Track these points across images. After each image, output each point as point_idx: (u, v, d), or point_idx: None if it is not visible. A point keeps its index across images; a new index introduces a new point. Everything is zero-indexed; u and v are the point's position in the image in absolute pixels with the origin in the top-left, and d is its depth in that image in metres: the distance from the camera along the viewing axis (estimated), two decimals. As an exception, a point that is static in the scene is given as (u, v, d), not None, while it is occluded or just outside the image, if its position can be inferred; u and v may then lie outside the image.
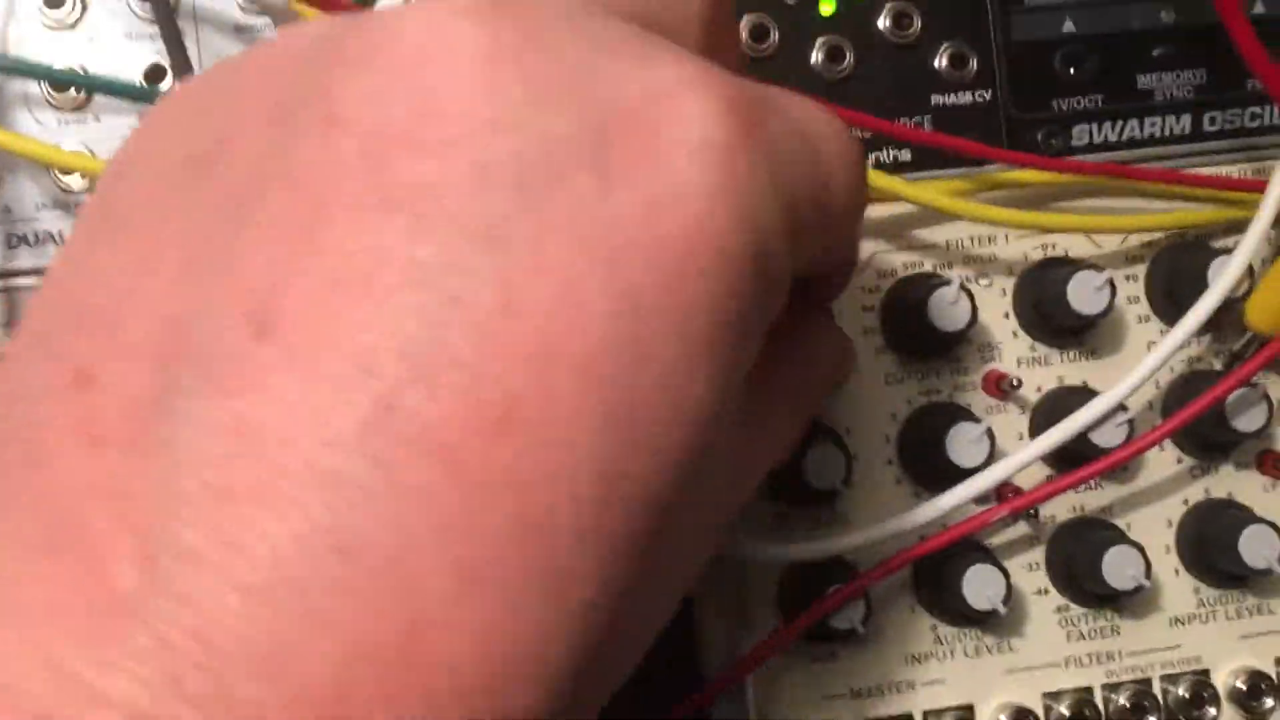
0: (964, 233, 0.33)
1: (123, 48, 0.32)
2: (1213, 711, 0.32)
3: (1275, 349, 0.30)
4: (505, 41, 0.18)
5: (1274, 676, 0.33)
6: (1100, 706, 0.32)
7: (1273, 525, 0.31)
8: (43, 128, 0.32)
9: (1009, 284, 0.33)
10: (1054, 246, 0.33)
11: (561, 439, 0.16)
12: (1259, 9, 0.34)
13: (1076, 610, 0.33)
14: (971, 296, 0.31)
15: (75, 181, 0.31)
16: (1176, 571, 0.33)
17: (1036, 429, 0.32)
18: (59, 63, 0.32)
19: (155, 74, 0.32)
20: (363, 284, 0.16)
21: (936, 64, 0.33)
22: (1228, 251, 0.31)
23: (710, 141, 0.18)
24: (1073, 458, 0.31)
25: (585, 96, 0.18)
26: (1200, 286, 0.31)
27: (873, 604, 0.31)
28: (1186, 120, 0.34)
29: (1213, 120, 0.34)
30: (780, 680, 0.31)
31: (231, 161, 0.18)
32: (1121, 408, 0.31)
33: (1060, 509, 0.33)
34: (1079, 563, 0.32)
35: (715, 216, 0.17)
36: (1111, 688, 0.33)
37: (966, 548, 0.31)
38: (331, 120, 0.17)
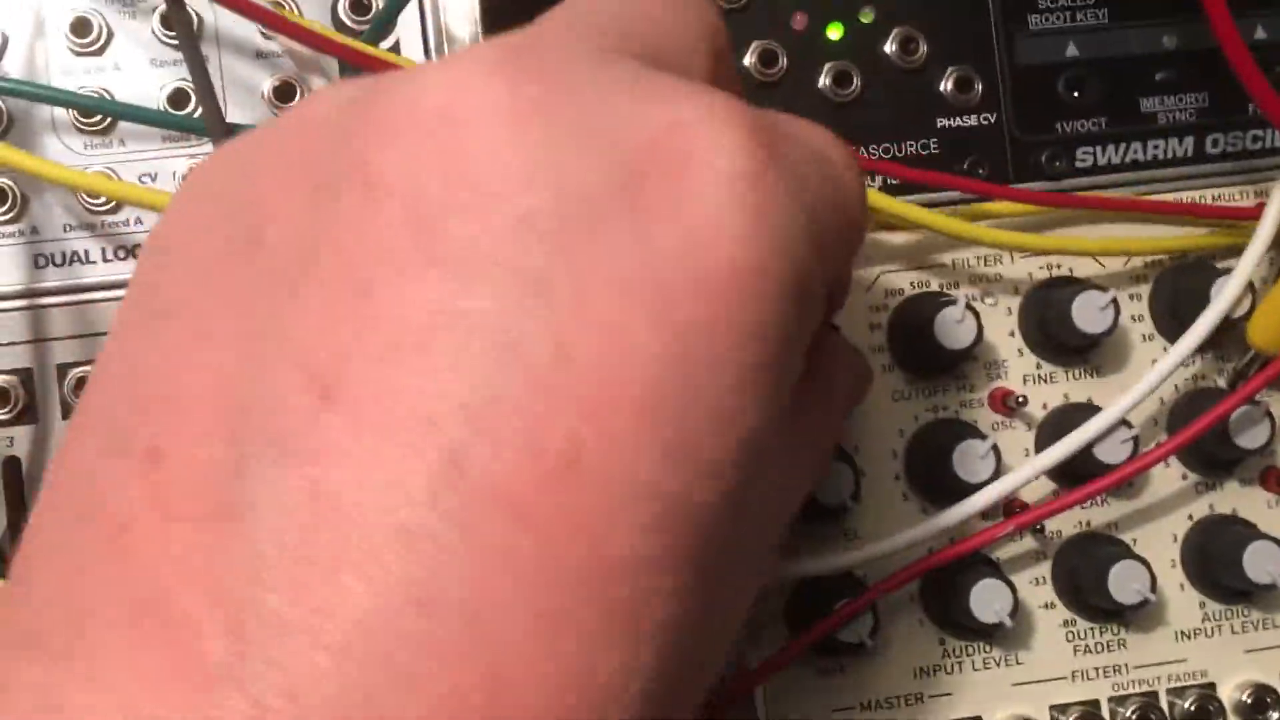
0: (970, 252, 0.33)
1: (147, 73, 0.33)
2: (1219, 725, 0.33)
3: (1278, 367, 0.31)
4: (526, 94, 0.18)
5: (1279, 690, 0.33)
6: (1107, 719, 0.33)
7: (1277, 541, 0.32)
8: (69, 150, 0.33)
9: (1015, 303, 0.34)
10: (1059, 266, 0.33)
11: (624, 478, 0.17)
12: (1260, 35, 0.34)
13: (1083, 624, 0.33)
14: (977, 315, 0.31)
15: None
16: (1182, 586, 0.33)
17: (1042, 445, 0.33)
18: (85, 88, 0.32)
19: (179, 99, 0.32)
20: (419, 342, 0.17)
21: (942, 88, 0.34)
22: (1230, 272, 0.31)
23: (738, 170, 0.18)
24: (1079, 474, 0.32)
25: (611, 139, 0.18)
26: (1203, 306, 0.31)
27: (880, 618, 0.31)
28: (1189, 143, 0.34)
29: (1215, 143, 0.34)
30: (789, 693, 0.32)
31: (276, 237, 0.19)
32: (1126, 425, 0.31)
33: (1066, 524, 0.33)
34: (1085, 577, 0.32)
35: (752, 244, 0.18)
36: (1118, 701, 0.33)
37: (974, 562, 0.32)
38: (371, 188, 0.18)
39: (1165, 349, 0.34)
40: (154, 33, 0.33)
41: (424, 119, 0.18)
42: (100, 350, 0.20)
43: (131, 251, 0.33)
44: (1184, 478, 0.34)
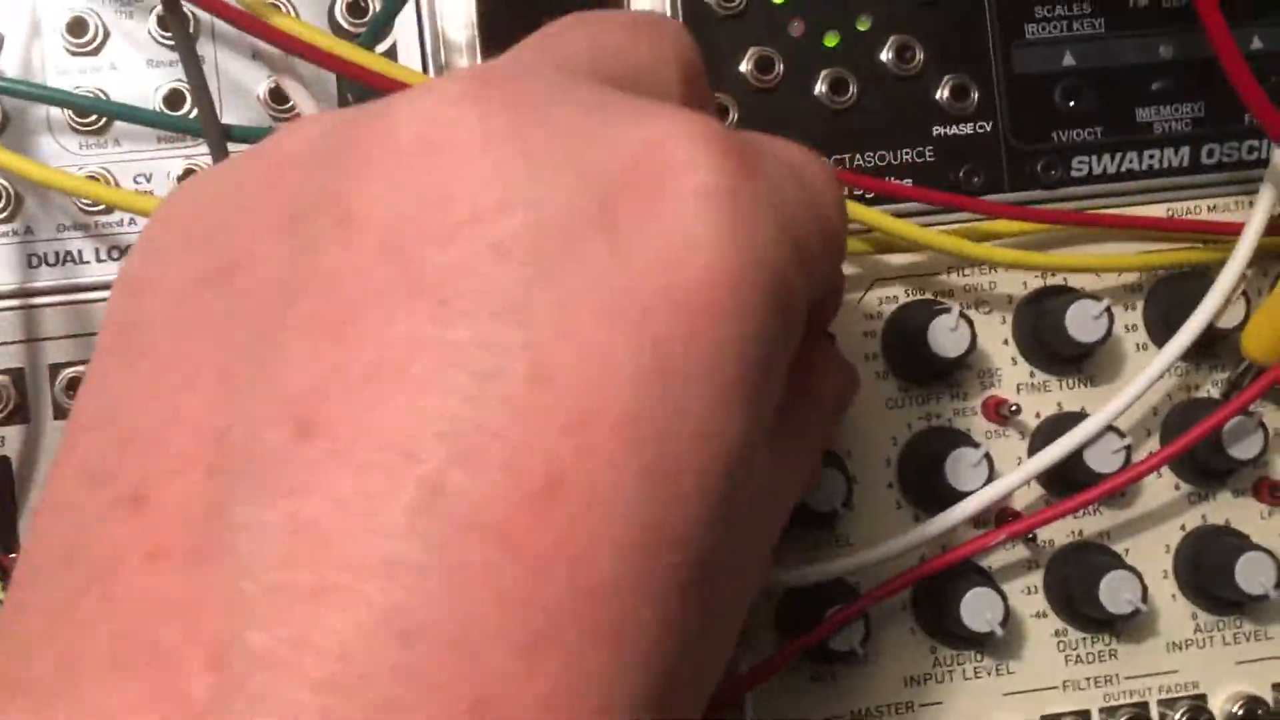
0: (965, 260, 0.33)
1: (143, 74, 0.33)
2: (1209, 736, 0.33)
3: (1271, 378, 0.31)
4: (498, 122, 0.18)
5: (1270, 702, 0.33)
6: (1097, 730, 0.33)
7: (1269, 552, 0.32)
8: (65, 151, 0.33)
9: (1008, 311, 0.34)
10: (1053, 275, 0.33)
11: (605, 500, 0.17)
12: (1256, 45, 0.34)
13: (1074, 634, 0.33)
14: (971, 323, 0.31)
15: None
16: (1174, 597, 0.33)
17: (1035, 455, 0.33)
18: (81, 87, 0.32)
19: (174, 100, 0.32)
20: (396, 372, 0.17)
21: (938, 96, 0.34)
22: (1222, 282, 0.31)
23: (712, 186, 0.18)
24: (1072, 483, 0.32)
25: (584, 162, 0.18)
26: (1197, 315, 0.31)
27: (872, 625, 0.31)
28: (1185, 153, 0.34)
29: (1210, 153, 0.34)
30: (779, 700, 0.32)
31: (251, 272, 0.19)
32: (1118, 434, 0.31)
33: (1059, 533, 0.33)
34: (1077, 587, 0.32)
35: (729, 259, 0.18)
36: (1109, 711, 0.33)
37: (965, 570, 0.32)
38: (346, 220, 0.18)
39: (1159, 359, 0.34)
40: (150, 33, 0.33)
41: (398, 150, 0.18)
42: (87, 366, 0.20)
43: (125, 252, 0.33)
44: (1177, 488, 0.34)
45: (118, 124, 0.33)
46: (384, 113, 0.19)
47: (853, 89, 0.34)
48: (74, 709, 0.16)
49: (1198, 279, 0.33)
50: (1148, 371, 0.31)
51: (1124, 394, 0.31)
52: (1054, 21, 0.34)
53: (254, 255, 0.19)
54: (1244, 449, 0.32)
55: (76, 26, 0.33)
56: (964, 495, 0.31)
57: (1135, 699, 0.33)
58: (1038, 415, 0.33)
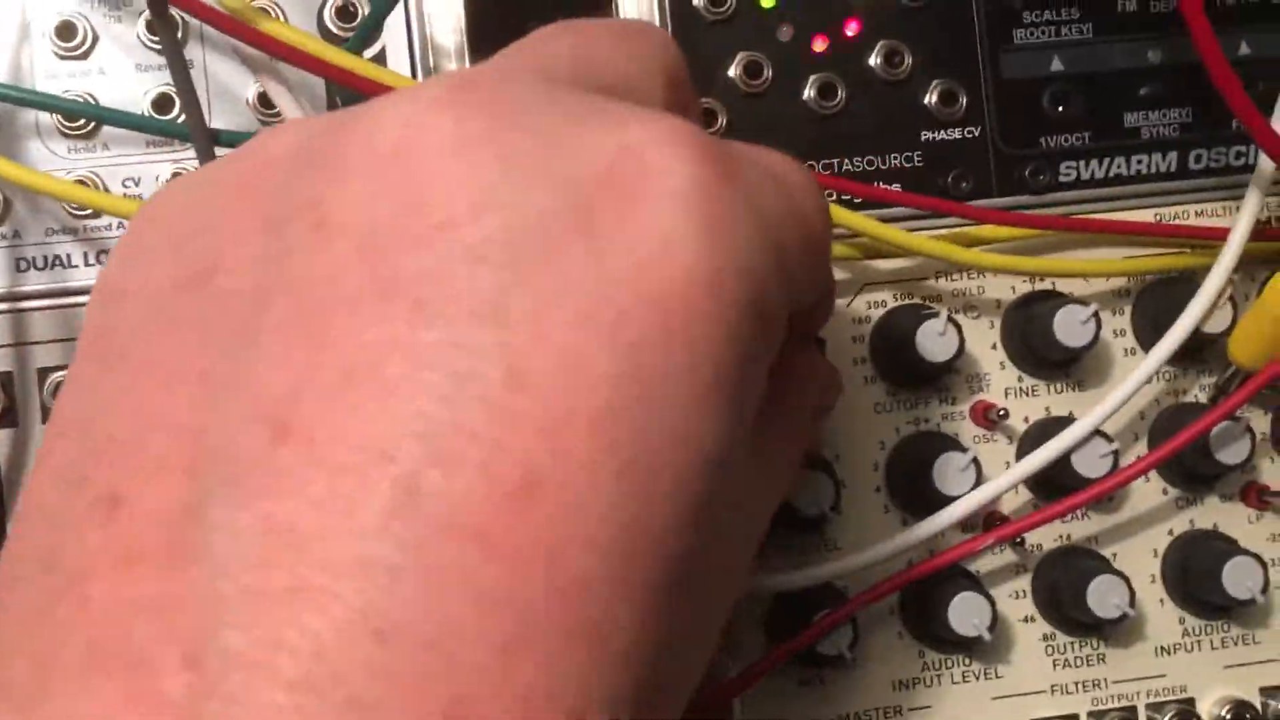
0: (953, 266, 0.33)
1: (132, 78, 0.33)
2: (1198, 741, 0.33)
3: (1258, 383, 0.31)
4: (475, 126, 0.18)
5: (1258, 706, 0.33)
6: (1085, 734, 0.33)
7: (1256, 557, 0.32)
8: (54, 155, 0.33)
9: (997, 316, 0.34)
10: (1041, 279, 0.34)
11: (581, 501, 0.17)
12: (1244, 50, 0.34)
13: (1063, 638, 0.33)
14: (959, 328, 0.31)
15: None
16: (1162, 601, 0.34)
17: (1023, 459, 0.33)
18: (70, 91, 0.32)
19: (163, 104, 0.32)
20: (373, 374, 0.17)
21: (927, 101, 0.34)
22: (1209, 286, 0.31)
23: (690, 190, 0.18)
24: (1060, 488, 0.32)
25: (562, 165, 0.18)
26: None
27: (860, 630, 0.31)
28: (1173, 158, 0.34)
29: (1198, 158, 0.35)
30: (767, 705, 0.32)
31: (229, 276, 0.19)
32: (1106, 439, 0.31)
33: (1047, 538, 0.33)
34: (1065, 591, 0.32)
35: (706, 263, 0.18)
36: (1097, 715, 0.33)
37: (953, 575, 0.32)
38: (323, 225, 0.18)
39: (1148, 364, 0.34)
40: (139, 37, 0.33)
41: (375, 155, 0.18)
42: (67, 371, 0.20)
43: (114, 256, 0.33)
44: (1165, 493, 0.34)
45: (106, 128, 0.33)
46: (363, 117, 0.19)
47: (841, 94, 0.34)
48: (50, 711, 0.16)
49: (1184, 284, 0.33)
50: (1135, 376, 0.31)
51: (1111, 398, 0.31)
52: (1042, 27, 0.34)
53: (231, 258, 0.19)
54: (1231, 454, 0.32)
55: (65, 30, 0.33)
56: (952, 499, 0.31)
57: (1123, 703, 0.33)
58: (1026, 419, 0.33)
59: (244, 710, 0.15)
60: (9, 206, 0.32)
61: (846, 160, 0.34)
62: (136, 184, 0.33)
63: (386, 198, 0.18)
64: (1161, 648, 0.33)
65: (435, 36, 0.33)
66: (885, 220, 0.32)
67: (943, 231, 0.33)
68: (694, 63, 0.33)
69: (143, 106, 0.32)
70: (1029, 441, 0.33)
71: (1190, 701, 0.33)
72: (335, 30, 0.33)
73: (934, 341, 0.31)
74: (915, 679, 0.33)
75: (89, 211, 0.32)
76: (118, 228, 0.33)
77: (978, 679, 0.33)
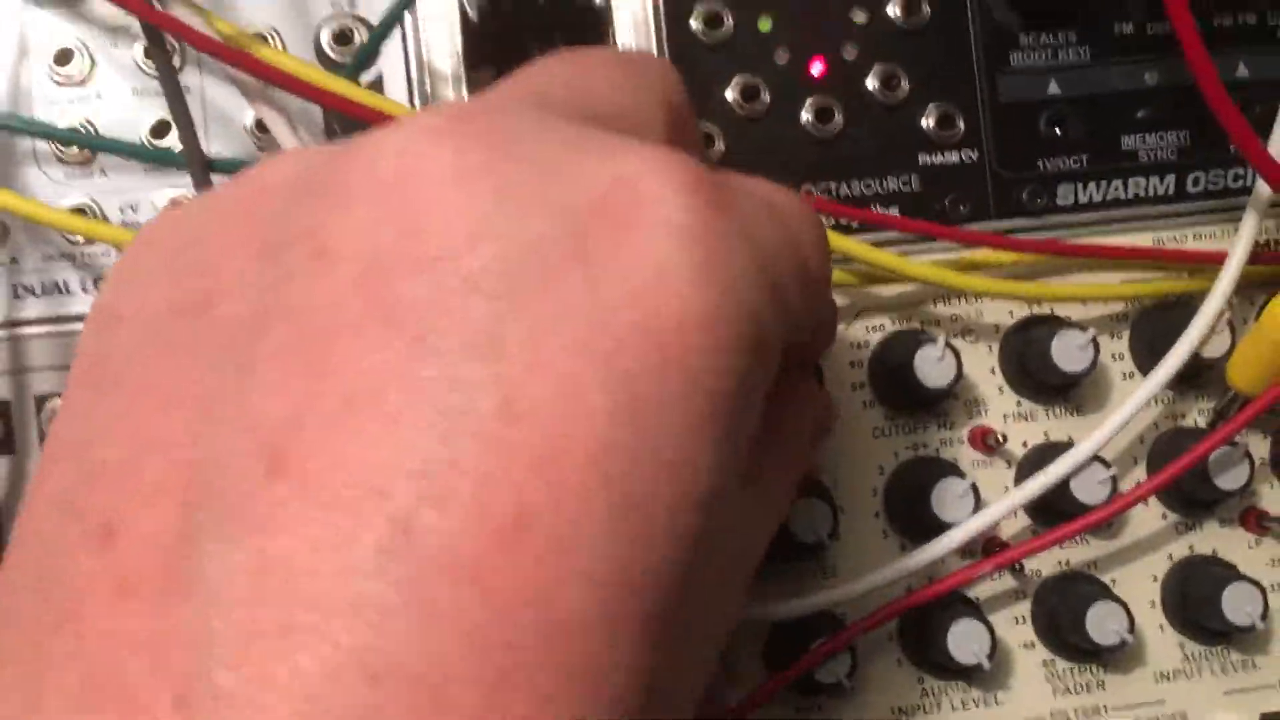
0: (951, 291, 0.33)
1: (130, 104, 0.33)
2: (1198, 767, 0.33)
3: (1257, 408, 0.31)
4: (473, 156, 0.18)
5: (1258, 732, 0.33)
6: (1085, 761, 0.33)
7: (1256, 582, 0.32)
8: (51, 181, 0.33)
9: (995, 340, 0.34)
10: (1039, 304, 0.33)
11: (575, 537, 0.17)
12: (1241, 73, 0.34)
13: (1062, 664, 0.33)
14: (957, 354, 0.31)
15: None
16: (1161, 627, 0.33)
17: (1021, 484, 0.33)
18: (68, 117, 0.32)
19: (160, 130, 0.32)
20: (368, 407, 0.17)
21: (924, 124, 0.34)
22: (1207, 311, 0.31)
23: (685, 220, 0.18)
24: (1058, 514, 0.32)
25: (557, 195, 0.18)
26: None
27: (859, 657, 0.31)
28: (1170, 181, 0.34)
29: (1196, 181, 0.34)
30: (766, 733, 0.32)
31: (226, 302, 0.19)
32: (1104, 465, 0.31)
33: (1046, 563, 0.33)
34: (1064, 617, 0.32)
35: (701, 294, 0.18)
36: (1096, 742, 0.33)
37: (952, 601, 0.32)
38: (322, 254, 0.18)
39: (1146, 388, 0.33)
40: (137, 63, 0.33)
41: (374, 184, 0.18)
42: (62, 396, 0.20)
43: (111, 282, 0.33)
44: (1164, 518, 0.34)
45: (104, 154, 0.33)
46: (362, 147, 0.19)
47: (838, 117, 0.34)
48: None
49: (1182, 308, 0.33)
50: (1133, 400, 0.31)
51: (1109, 423, 0.31)
52: (1039, 50, 0.34)
53: (229, 285, 0.19)
54: (1230, 479, 0.32)
55: (63, 57, 0.33)
56: (950, 525, 0.31)
57: (1123, 729, 0.33)
58: (1024, 444, 0.33)
59: None
60: (7, 233, 0.32)
61: (844, 183, 0.34)
62: (134, 209, 0.33)
63: (386, 226, 0.18)
64: (1161, 673, 0.33)
65: (433, 62, 0.33)
66: (883, 244, 0.32)
67: (939, 256, 0.33)
68: (691, 86, 0.33)
69: (141, 132, 0.33)
70: (1027, 466, 0.33)
71: (1190, 727, 0.33)
72: (332, 55, 0.33)
73: (932, 367, 0.31)
74: (915, 706, 0.32)
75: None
76: (116, 254, 0.33)
77: (977, 705, 0.33)
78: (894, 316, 0.33)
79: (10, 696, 0.17)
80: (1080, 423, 0.33)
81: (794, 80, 0.34)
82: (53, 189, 0.33)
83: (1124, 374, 0.34)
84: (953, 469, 0.32)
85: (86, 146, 0.32)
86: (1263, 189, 0.31)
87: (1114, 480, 0.31)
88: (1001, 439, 0.33)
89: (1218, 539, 0.34)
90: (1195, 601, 0.33)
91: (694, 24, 0.33)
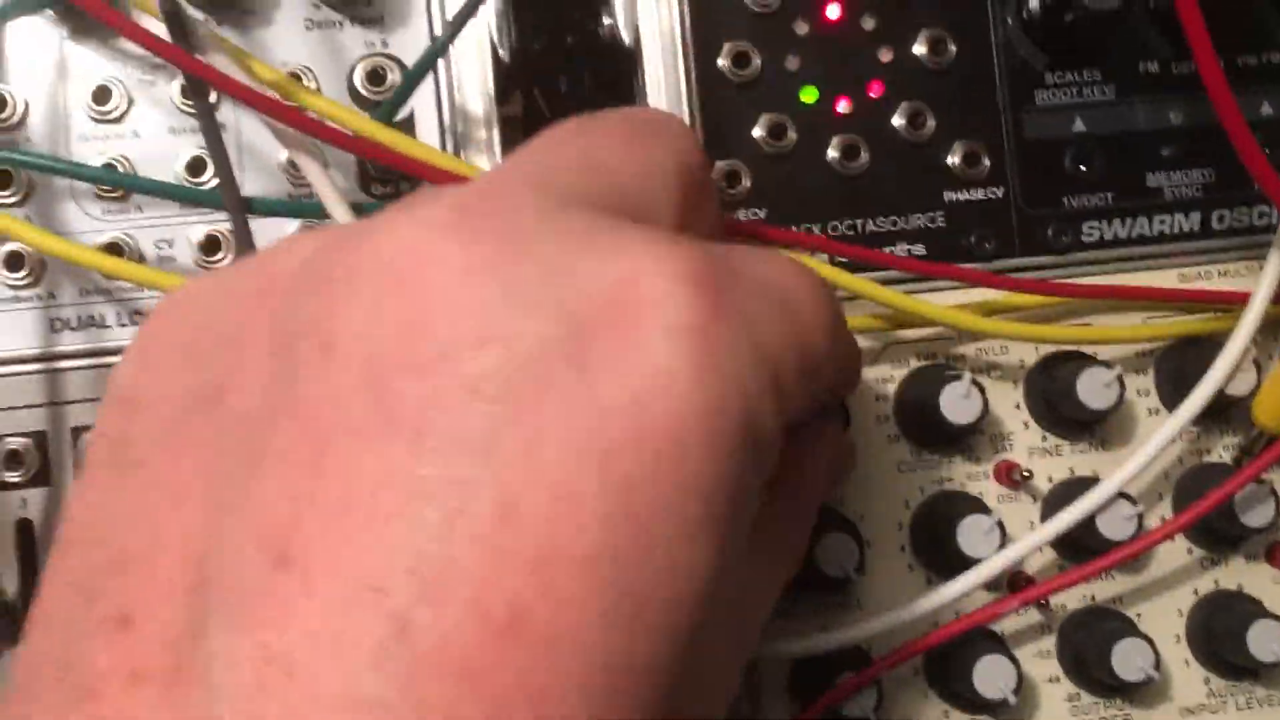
0: (977, 335, 0.33)
1: (166, 141, 0.33)
2: (1223, 802, 0.33)
3: (1282, 446, 0.31)
4: (479, 254, 0.19)
5: (1284, 768, 0.33)
6: (1111, 796, 0.33)
7: (1281, 619, 0.32)
8: (88, 216, 0.33)
9: (1020, 376, 0.34)
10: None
11: (568, 638, 0.17)
12: (1266, 111, 0.35)
13: (1087, 699, 0.33)
14: (983, 390, 0.31)
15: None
16: (1187, 662, 0.33)
17: (1048, 519, 0.33)
18: (105, 154, 0.33)
19: (196, 167, 0.33)
20: (369, 507, 0.17)
21: (950, 161, 0.34)
22: (1231, 349, 0.31)
23: (684, 323, 0.18)
24: (1085, 549, 0.32)
25: (560, 296, 0.18)
26: (1208, 382, 0.32)
27: (885, 691, 0.32)
28: (1195, 218, 0.35)
29: (1221, 219, 0.35)
30: (793, 767, 0.32)
31: (237, 397, 0.19)
32: (1131, 501, 0.31)
33: (1071, 598, 0.33)
34: (1089, 653, 0.32)
35: (699, 396, 0.18)
36: (1122, 777, 0.33)
37: (978, 635, 0.32)
38: (328, 349, 0.18)
39: (1171, 424, 0.34)
40: (173, 101, 0.33)
41: (380, 280, 0.19)
42: (79, 474, 0.21)
43: (147, 317, 0.33)
44: (1189, 553, 0.34)
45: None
46: (369, 237, 0.19)
47: (865, 155, 0.34)
48: None
49: (1208, 345, 0.33)
50: (1159, 437, 0.31)
51: (1135, 459, 0.31)
52: (1065, 88, 0.34)
53: (240, 379, 0.19)
54: (1256, 516, 0.32)
55: (101, 95, 0.33)
56: (976, 560, 0.31)
57: (1149, 765, 0.33)
58: (1050, 479, 0.34)
59: None
60: (44, 268, 0.33)
61: (869, 221, 0.34)
62: (169, 245, 0.33)
63: (388, 323, 0.18)
64: (1186, 708, 0.33)
65: (465, 102, 0.34)
66: (903, 282, 0.33)
67: (964, 298, 0.33)
68: (719, 123, 0.34)
69: (176, 169, 0.33)
70: (1053, 501, 0.33)
71: (1216, 763, 0.33)
72: (366, 94, 0.33)
73: (958, 404, 0.31)
74: (940, 740, 0.33)
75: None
76: (151, 289, 0.33)
77: (1003, 740, 0.33)
78: (919, 352, 0.34)
79: None
80: (1106, 458, 0.34)
81: (821, 118, 0.34)
82: (89, 224, 0.33)
83: (1149, 410, 0.34)
84: (978, 504, 0.32)
85: (127, 188, 0.33)
86: (1287, 227, 0.31)
87: (1140, 517, 0.31)
88: (1027, 474, 0.33)
89: (1243, 575, 0.34)
90: (1220, 637, 0.33)
91: (722, 62, 0.34)
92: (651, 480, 0.18)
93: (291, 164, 0.33)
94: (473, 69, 0.34)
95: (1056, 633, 0.33)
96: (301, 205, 0.32)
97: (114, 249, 0.33)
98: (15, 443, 0.32)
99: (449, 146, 0.33)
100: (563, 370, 0.18)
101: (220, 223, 0.33)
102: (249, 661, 0.17)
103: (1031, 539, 0.31)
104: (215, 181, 0.32)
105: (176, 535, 0.19)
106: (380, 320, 0.18)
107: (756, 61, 0.34)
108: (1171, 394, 0.34)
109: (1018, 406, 0.34)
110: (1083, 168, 0.34)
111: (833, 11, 0.34)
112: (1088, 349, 0.33)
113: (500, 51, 0.34)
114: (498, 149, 0.34)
